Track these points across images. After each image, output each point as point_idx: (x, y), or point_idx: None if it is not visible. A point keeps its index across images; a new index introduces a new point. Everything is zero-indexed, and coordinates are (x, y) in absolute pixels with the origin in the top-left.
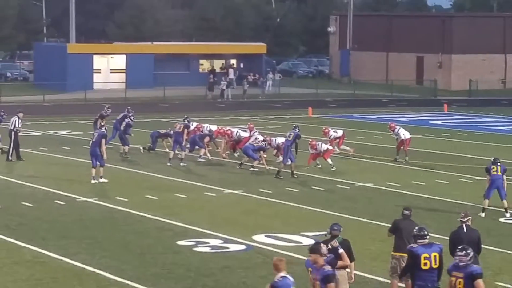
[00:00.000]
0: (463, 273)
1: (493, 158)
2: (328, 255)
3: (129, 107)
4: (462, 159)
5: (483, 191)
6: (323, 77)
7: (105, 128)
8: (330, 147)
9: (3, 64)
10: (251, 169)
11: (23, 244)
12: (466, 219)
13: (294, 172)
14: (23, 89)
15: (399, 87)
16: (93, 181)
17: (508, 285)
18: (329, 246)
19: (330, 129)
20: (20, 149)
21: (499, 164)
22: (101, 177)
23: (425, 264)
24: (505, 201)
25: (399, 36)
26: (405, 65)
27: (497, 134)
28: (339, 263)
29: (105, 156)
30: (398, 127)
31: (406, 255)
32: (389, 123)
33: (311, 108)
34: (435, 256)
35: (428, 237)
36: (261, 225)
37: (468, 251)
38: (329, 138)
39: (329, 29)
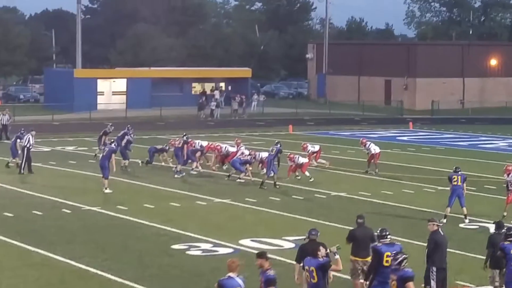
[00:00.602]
0: (397, 276)
1: (454, 168)
2: (325, 258)
3: (129, 125)
4: (425, 171)
5: (445, 199)
6: (302, 98)
7: (115, 144)
8: (306, 160)
9: (16, 88)
10: (238, 180)
11: (33, 249)
12: (441, 224)
13: (277, 183)
14: (34, 110)
15: (369, 107)
16: (106, 191)
17: (468, 284)
18: (328, 251)
19: (308, 144)
20: (32, 163)
21: (459, 173)
22: (106, 188)
23: (387, 261)
24: (464, 208)
25: (369, 61)
26: (374, 88)
27: (457, 149)
28: (333, 267)
29: (114, 169)
30: (369, 143)
31: (361, 259)
32: (361, 139)
33: (291, 126)
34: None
35: (389, 237)
36: (247, 230)
37: (398, 256)
38: (307, 152)
39: (307, 55)
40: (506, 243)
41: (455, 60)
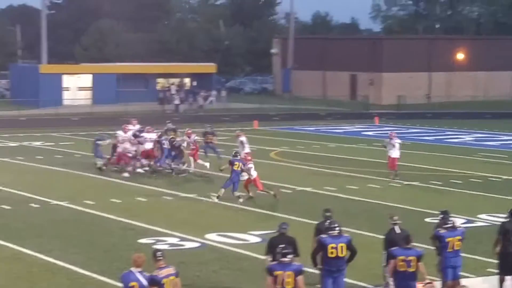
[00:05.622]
0: (290, 271)
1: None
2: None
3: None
4: None
5: (411, 194)
6: (267, 93)
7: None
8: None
9: None
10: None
11: (2, 242)
12: (397, 221)
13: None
14: (0, 105)
15: (334, 102)
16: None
17: (434, 278)
18: None
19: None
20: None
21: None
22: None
23: (332, 253)
24: None
25: (334, 56)
26: (340, 82)
27: (423, 144)
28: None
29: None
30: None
31: None
32: (391, 132)
33: (256, 121)
34: (342, 246)
35: (337, 229)
36: (213, 225)
37: (285, 251)
38: (192, 140)
39: (272, 50)
40: (442, 231)
41: (421, 54)
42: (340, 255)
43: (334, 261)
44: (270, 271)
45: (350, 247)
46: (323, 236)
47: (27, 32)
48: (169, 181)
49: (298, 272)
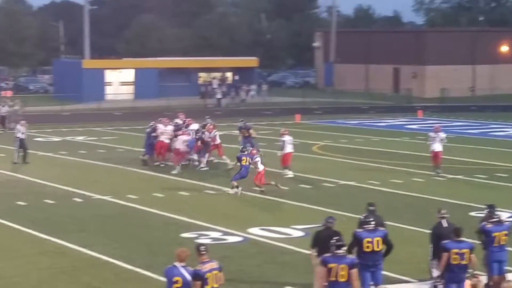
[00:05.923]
0: (344, 263)
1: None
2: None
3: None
4: None
5: (455, 188)
6: (309, 87)
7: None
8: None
9: (26, 78)
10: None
11: (46, 237)
12: (444, 215)
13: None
14: (44, 100)
15: (377, 95)
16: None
17: (479, 272)
18: None
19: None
20: (42, 153)
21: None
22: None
23: (368, 247)
24: None
25: (377, 49)
26: (383, 76)
27: (467, 137)
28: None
29: None
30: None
31: None
32: (436, 125)
33: (299, 115)
34: (377, 240)
35: (373, 223)
36: (256, 219)
37: (339, 243)
38: (212, 136)
39: (314, 44)
40: (488, 225)
41: (464, 47)
42: (376, 249)
43: (370, 256)
44: (324, 263)
45: (386, 241)
46: (359, 230)
47: (70, 28)
48: (211, 175)
49: (352, 265)
